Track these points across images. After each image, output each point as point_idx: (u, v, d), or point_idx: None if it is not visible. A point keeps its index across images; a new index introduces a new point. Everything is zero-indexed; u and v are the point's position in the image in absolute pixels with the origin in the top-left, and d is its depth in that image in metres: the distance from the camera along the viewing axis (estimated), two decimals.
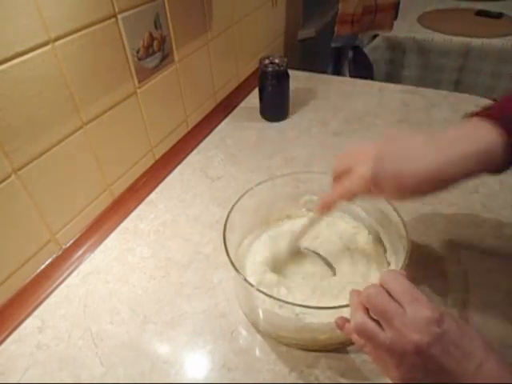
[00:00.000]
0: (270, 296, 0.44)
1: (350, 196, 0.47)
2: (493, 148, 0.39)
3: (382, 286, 0.37)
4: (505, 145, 0.38)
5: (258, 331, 0.51)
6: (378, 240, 0.58)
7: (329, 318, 0.42)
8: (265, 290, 0.44)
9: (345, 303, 0.40)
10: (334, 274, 0.54)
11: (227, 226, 0.51)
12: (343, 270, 0.54)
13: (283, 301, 0.43)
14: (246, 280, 0.45)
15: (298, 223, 0.59)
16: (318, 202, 0.50)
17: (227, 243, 0.49)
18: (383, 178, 0.42)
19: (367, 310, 0.37)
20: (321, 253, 0.57)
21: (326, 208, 0.49)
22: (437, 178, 0.40)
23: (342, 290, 0.50)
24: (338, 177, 0.48)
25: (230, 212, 0.53)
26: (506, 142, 0.38)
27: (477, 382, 0.32)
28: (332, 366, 0.47)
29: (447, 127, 0.42)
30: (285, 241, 0.57)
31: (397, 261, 0.51)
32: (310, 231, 0.55)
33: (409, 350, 0.33)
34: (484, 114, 0.41)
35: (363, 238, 0.58)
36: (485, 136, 0.39)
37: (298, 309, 0.44)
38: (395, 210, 0.52)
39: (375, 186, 0.43)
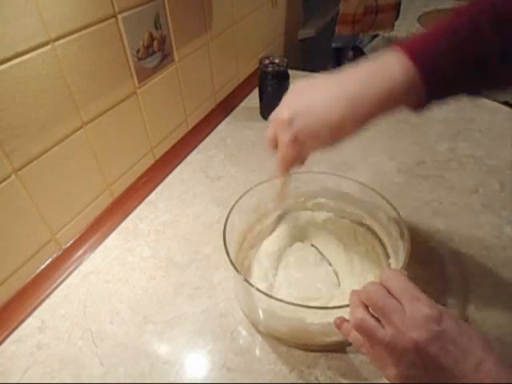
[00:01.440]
0: (270, 296, 0.44)
1: (290, 164, 0.47)
2: (405, 85, 0.38)
3: (381, 284, 0.37)
4: (418, 81, 0.38)
5: (258, 331, 0.51)
6: (378, 240, 0.58)
7: (329, 318, 0.42)
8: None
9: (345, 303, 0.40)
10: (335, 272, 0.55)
11: (227, 226, 0.51)
12: (346, 278, 0.54)
13: (283, 301, 0.43)
14: (246, 280, 0.45)
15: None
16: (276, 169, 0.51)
17: (227, 243, 0.49)
18: (302, 137, 0.43)
19: (367, 308, 0.37)
20: (325, 255, 0.58)
21: (283, 172, 0.50)
22: (348, 121, 0.41)
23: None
24: (271, 145, 0.48)
25: (230, 212, 0.53)
26: (420, 78, 0.38)
27: (475, 382, 0.32)
28: (332, 366, 0.47)
29: (360, 64, 0.42)
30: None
31: (397, 261, 0.51)
32: (285, 190, 0.56)
33: (408, 348, 0.33)
34: (402, 47, 0.40)
35: (363, 239, 0.59)
36: (397, 73, 0.38)
37: (298, 309, 0.44)
38: (395, 209, 0.52)
39: (300, 145, 0.44)
